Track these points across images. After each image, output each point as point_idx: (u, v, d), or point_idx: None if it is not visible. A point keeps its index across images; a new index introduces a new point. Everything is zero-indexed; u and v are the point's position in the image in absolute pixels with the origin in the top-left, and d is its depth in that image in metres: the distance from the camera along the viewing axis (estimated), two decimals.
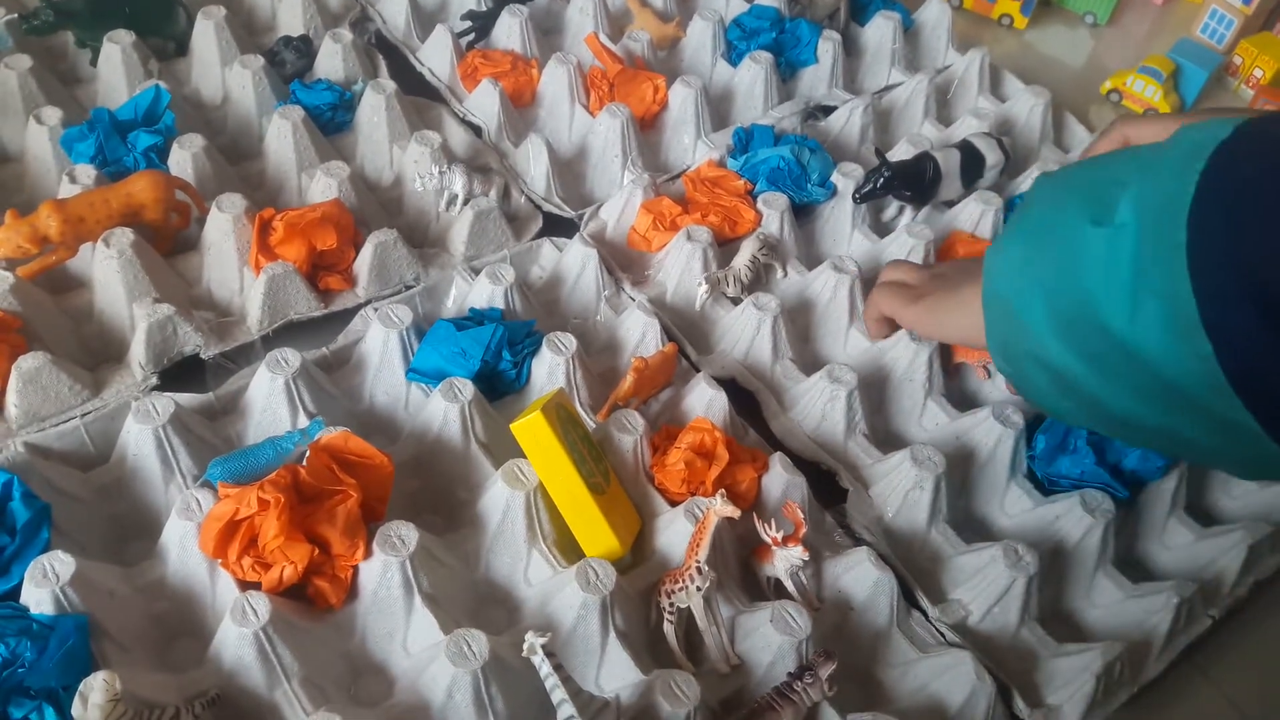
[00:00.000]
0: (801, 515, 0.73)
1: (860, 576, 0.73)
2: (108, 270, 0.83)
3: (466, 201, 0.94)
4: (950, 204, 1.02)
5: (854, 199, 0.98)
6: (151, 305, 0.81)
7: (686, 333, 0.91)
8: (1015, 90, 1.19)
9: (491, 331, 0.81)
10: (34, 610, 0.63)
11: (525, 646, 0.60)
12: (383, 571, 0.67)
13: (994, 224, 0.98)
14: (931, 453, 0.79)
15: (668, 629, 0.70)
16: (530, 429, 0.71)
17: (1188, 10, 1.45)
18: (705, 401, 0.82)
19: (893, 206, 1.03)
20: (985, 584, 0.75)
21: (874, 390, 0.88)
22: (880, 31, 1.20)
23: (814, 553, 0.74)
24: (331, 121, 1.02)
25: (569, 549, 0.72)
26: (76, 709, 0.58)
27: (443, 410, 0.77)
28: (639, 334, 0.87)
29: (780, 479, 0.77)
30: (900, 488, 0.80)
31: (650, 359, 0.81)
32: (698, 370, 0.86)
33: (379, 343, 0.82)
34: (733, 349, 0.90)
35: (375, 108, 0.99)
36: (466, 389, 0.77)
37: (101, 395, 0.79)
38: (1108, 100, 1.29)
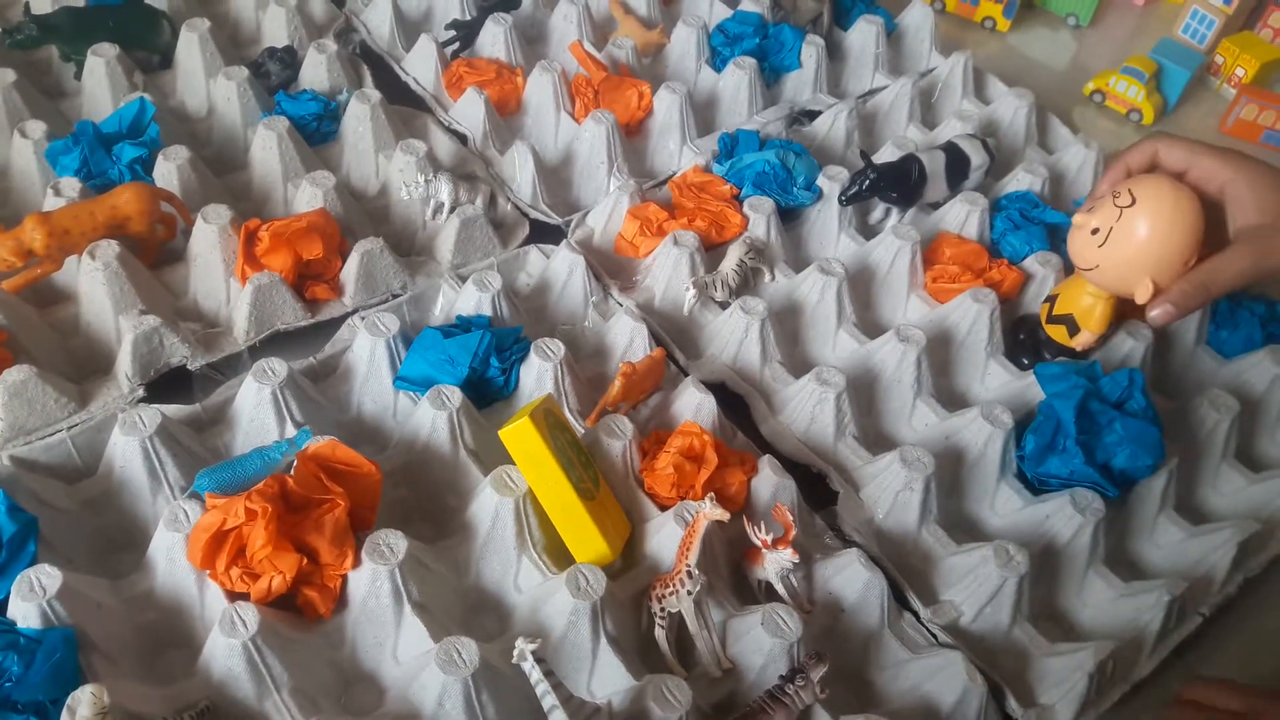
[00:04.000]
0: (791, 518, 0.73)
1: (851, 578, 0.73)
2: (93, 282, 0.82)
3: (453, 210, 0.94)
4: (936, 205, 1.02)
5: (840, 201, 0.98)
6: (138, 317, 0.81)
7: (675, 337, 0.91)
8: (999, 92, 1.19)
9: (479, 338, 0.81)
10: (21, 624, 0.63)
11: (515, 653, 0.60)
12: (372, 580, 0.66)
13: (980, 225, 0.98)
14: (921, 454, 0.79)
15: (659, 633, 0.69)
16: (518, 435, 0.70)
17: (1169, 11, 1.46)
18: (694, 406, 0.82)
19: (879, 209, 1.03)
20: (977, 584, 0.75)
21: (863, 392, 0.88)
22: (863, 36, 1.20)
23: (804, 555, 0.74)
24: (317, 132, 1.02)
25: (559, 555, 0.72)
26: None
27: (431, 418, 0.76)
28: (627, 339, 0.87)
29: (769, 482, 0.77)
30: (890, 489, 0.80)
31: (638, 364, 0.81)
32: (686, 375, 0.86)
33: (366, 351, 0.82)
34: (721, 353, 0.90)
35: (360, 117, 0.99)
36: (454, 396, 0.77)
37: (88, 408, 0.79)
38: (1091, 101, 1.30)
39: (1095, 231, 0.79)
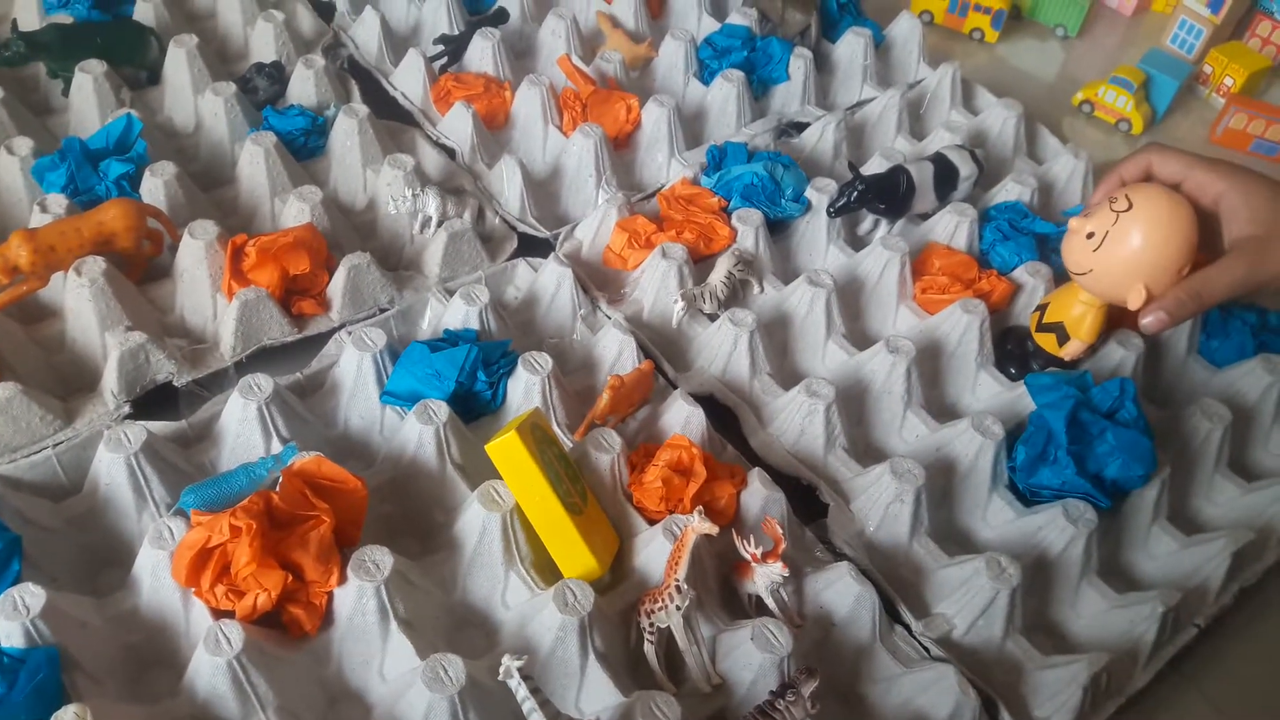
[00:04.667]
0: (781, 531, 0.72)
1: (841, 591, 0.73)
2: (79, 299, 0.82)
3: (440, 224, 0.94)
4: (925, 216, 1.02)
5: (828, 213, 0.98)
6: (124, 333, 0.80)
7: (663, 350, 0.90)
8: (987, 103, 1.19)
9: (466, 352, 0.81)
10: (4, 643, 0.62)
11: (501, 670, 0.60)
12: (358, 597, 0.66)
13: (969, 235, 0.98)
14: (911, 465, 0.79)
15: (648, 649, 0.69)
16: (505, 449, 0.70)
17: (1157, 21, 1.47)
18: (683, 418, 0.81)
19: (868, 220, 1.03)
20: (969, 597, 0.75)
21: (853, 403, 0.87)
22: (851, 48, 1.21)
23: (794, 568, 0.74)
24: (304, 147, 1.01)
25: (547, 570, 0.72)
26: None
27: (417, 433, 0.76)
28: (615, 352, 0.87)
29: (759, 495, 0.77)
30: (881, 501, 0.79)
31: (627, 377, 0.80)
32: (675, 387, 0.86)
33: (353, 366, 0.81)
34: (710, 365, 0.89)
35: (348, 132, 0.99)
36: (441, 411, 0.76)
37: (74, 425, 0.79)
38: (1080, 111, 1.30)
39: (1090, 235, 0.79)
